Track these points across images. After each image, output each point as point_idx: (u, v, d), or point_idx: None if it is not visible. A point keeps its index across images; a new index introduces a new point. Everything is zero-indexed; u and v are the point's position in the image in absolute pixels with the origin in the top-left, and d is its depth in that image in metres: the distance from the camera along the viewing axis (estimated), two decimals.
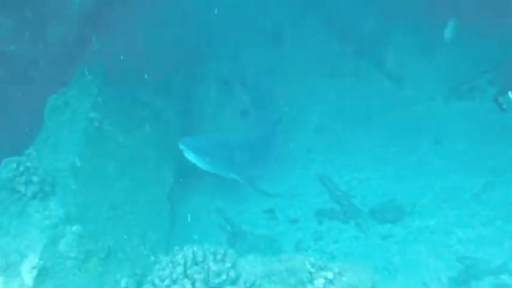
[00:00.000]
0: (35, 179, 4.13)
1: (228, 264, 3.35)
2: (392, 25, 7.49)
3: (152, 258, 4.33)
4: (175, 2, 7.03)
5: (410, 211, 5.19)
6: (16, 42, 5.64)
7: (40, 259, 3.65)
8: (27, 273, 3.58)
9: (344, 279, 3.29)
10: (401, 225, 5.10)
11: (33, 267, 3.61)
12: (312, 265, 3.36)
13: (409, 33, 7.34)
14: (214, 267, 3.28)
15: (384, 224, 5.19)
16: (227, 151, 5.42)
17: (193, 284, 3.24)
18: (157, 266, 3.53)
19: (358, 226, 5.28)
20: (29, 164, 4.16)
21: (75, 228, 3.93)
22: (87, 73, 5.63)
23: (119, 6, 6.68)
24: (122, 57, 5.73)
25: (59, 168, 4.41)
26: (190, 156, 5.07)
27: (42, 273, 3.63)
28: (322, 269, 3.34)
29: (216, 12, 6.38)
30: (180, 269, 3.31)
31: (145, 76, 5.81)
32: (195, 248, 3.42)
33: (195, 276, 3.27)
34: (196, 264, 3.34)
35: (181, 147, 5.01)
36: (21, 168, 4.11)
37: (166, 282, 3.31)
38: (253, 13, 7.86)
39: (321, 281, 3.26)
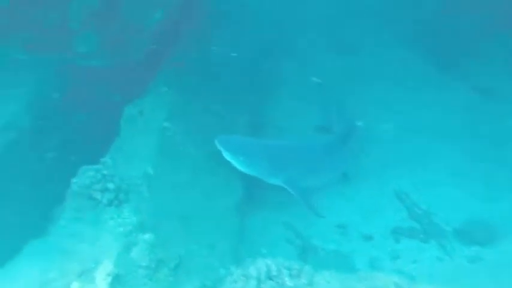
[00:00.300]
0: (110, 186, 4.20)
1: (304, 281, 3.15)
2: (480, 35, 7.03)
3: (222, 270, 4.21)
4: (250, 13, 7.04)
5: (504, 232, 4.68)
6: (99, 56, 5.88)
7: (114, 266, 3.65)
8: (102, 280, 3.59)
9: None
10: (493, 248, 4.61)
11: (108, 274, 3.61)
12: (396, 285, 3.06)
13: (497, 42, 6.83)
14: (289, 283, 3.09)
15: (472, 245, 4.72)
16: (270, 153, 5.16)
17: None
18: (228, 278, 3.40)
19: (441, 247, 4.86)
20: (105, 172, 4.25)
21: (147, 236, 3.91)
22: (162, 84, 5.76)
23: (193, 19, 6.84)
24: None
25: (133, 176, 4.45)
26: (226, 155, 5.00)
27: (115, 281, 3.61)
28: None
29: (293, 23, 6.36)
30: (253, 282, 3.15)
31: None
32: (268, 262, 3.25)
33: None
34: (271, 278, 3.17)
35: (217, 145, 4.96)
36: (99, 176, 4.20)
37: None
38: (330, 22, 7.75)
39: None
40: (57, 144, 5.92)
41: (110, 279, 3.54)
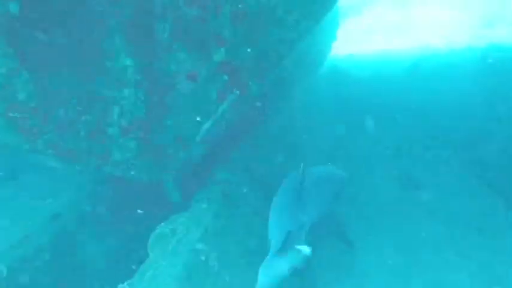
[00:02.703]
0: None
1: None
2: None
3: None
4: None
5: None
6: (137, 166, 5.40)
7: None
8: None
9: None
10: None
11: None
12: None
13: None
14: None
15: None
16: None
17: None
18: None
19: None
20: None
21: None
22: (203, 200, 5.09)
23: (248, 133, 6.39)
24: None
25: None
26: None
27: None
28: None
29: None
30: None
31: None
32: None
33: None
34: None
35: None
36: None
37: None
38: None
39: None
40: (78, 266, 5.17)
41: None
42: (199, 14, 4.71)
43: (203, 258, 4.16)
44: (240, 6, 4.62)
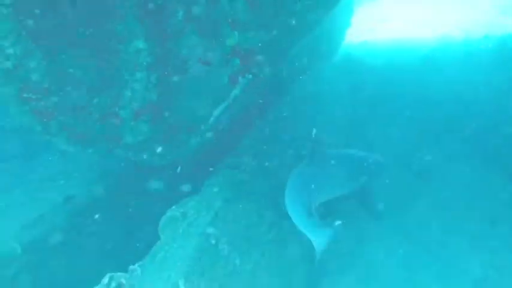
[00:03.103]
0: None
1: None
2: None
3: None
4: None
5: None
6: (149, 150, 5.41)
7: None
8: None
9: None
10: None
11: None
12: None
13: None
14: None
15: None
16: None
17: None
18: None
19: None
20: (123, 281, 3.40)
21: None
22: (214, 184, 5.08)
23: (256, 119, 6.37)
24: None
25: None
26: None
27: None
28: None
29: None
30: None
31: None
32: None
33: None
34: None
35: None
36: (113, 285, 3.34)
37: None
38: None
39: None
40: (89, 247, 5.21)
41: None
42: None
43: (213, 241, 4.17)
44: None
